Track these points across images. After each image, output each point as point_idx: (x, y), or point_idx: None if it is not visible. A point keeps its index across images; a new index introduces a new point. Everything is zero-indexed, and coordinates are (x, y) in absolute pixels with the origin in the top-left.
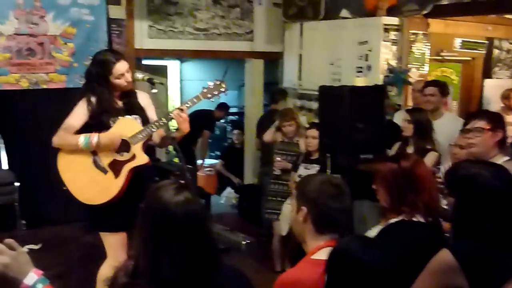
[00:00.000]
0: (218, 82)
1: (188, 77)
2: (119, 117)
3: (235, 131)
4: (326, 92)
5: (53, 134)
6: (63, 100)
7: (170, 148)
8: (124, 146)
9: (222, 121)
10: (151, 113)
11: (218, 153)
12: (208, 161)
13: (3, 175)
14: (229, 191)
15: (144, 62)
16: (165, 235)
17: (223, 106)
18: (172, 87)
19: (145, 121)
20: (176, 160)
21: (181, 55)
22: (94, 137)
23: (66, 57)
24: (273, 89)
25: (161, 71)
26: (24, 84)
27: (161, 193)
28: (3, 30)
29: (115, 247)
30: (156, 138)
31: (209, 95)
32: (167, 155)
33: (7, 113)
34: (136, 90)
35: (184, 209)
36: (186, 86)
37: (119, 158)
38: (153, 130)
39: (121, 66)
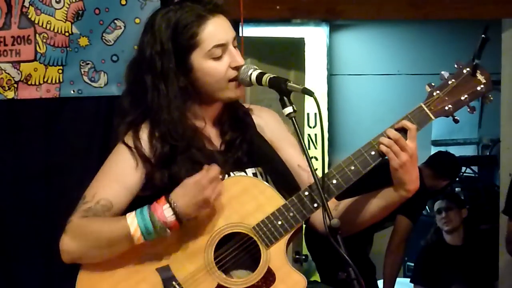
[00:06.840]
0: (465, 72)
1: (348, 67)
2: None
3: (439, 204)
4: None
5: (43, 226)
6: (60, 133)
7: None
8: (243, 249)
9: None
10: (294, 157)
11: (410, 264)
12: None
13: None
14: None
15: (248, 31)
16: None
17: (446, 165)
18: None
19: (280, 179)
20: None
21: (335, 14)
22: (165, 208)
23: (62, 22)
24: None
25: (291, 56)
26: None
27: None
28: None
29: None
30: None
31: (449, 107)
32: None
33: None
34: (247, 105)
35: None
36: (342, 87)
37: (234, 284)
38: (322, 198)
39: (216, 28)
